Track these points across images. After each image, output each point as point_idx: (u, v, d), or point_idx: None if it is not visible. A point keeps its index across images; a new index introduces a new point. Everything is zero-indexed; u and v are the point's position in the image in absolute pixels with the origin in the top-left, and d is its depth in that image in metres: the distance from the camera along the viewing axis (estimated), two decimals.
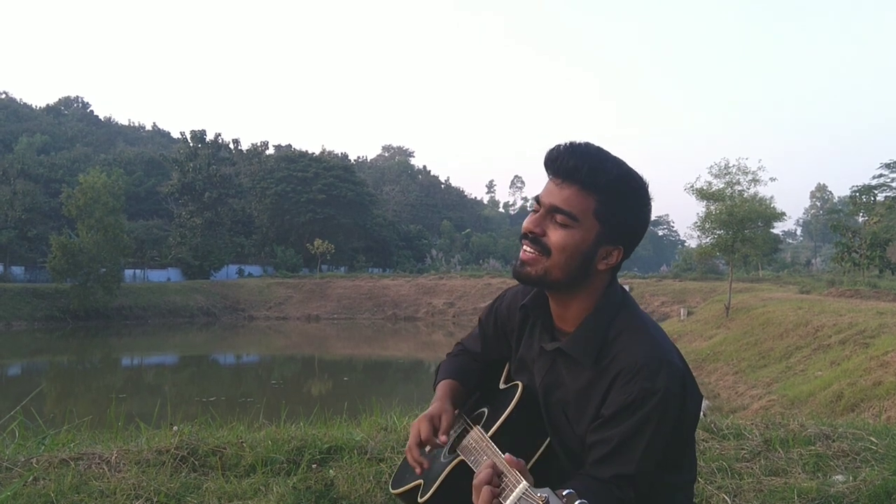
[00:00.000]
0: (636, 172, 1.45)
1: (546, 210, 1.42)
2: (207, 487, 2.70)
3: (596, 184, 1.39)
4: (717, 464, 3.07)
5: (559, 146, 1.44)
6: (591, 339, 1.43)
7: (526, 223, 1.44)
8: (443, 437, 1.50)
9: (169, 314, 38.07)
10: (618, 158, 1.44)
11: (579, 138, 1.48)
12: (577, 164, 1.40)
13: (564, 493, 1.05)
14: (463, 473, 1.41)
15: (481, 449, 1.41)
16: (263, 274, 49.86)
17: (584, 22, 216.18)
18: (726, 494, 2.81)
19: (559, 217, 1.40)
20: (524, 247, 1.44)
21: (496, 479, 1.18)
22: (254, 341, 32.49)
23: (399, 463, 2.89)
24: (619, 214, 1.41)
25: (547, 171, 1.46)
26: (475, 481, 1.20)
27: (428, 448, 1.52)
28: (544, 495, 1.05)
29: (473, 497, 1.20)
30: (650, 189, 1.46)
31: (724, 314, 22.78)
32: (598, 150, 1.43)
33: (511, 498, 1.10)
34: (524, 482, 1.10)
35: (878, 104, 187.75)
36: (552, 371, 1.49)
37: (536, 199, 1.46)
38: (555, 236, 1.40)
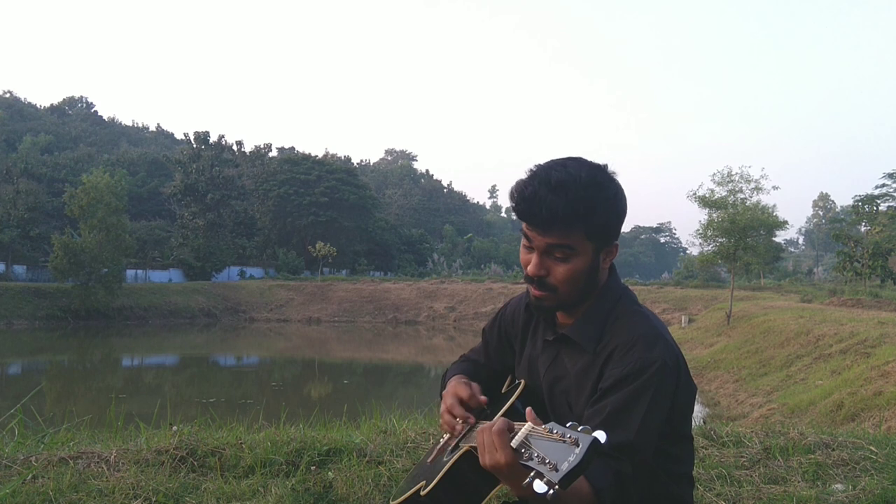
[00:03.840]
0: (596, 168, 1.42)
1: (542, 251, 1.43)
2: (206, 488, 2.70)
3: (577, 215, 1.36)
4: (716, 471, 3.07)
5: (522, 195, 1.38)
6: (592, 323, 1.47)
7: (530, 268, 1.44)
8: (482, 398, 1.52)
9: (170, 315, 38.05)
10: (576, 170, 1.38)
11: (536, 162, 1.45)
12: (552, 210, 1.35)
13: (568, 425, 1.10)
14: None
15: None
16: (265, 276, 49.80)
17: (591, 28, 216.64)
18: (725, 502, 2.80)
19: (558, 253, 1.41)
20: (533, 288, 1.46)
21: (511, 425, 1.21)
22: (254, 343, 32.44)
23: (400, 470, 2.89)
24: (605, 222, 1.41)
25: (520, 219, 1.45)
26: (494, 428, 1.20)
27: (460, 423, 1.53)
28: (548, 426, 1.11)
29: (488, 446, 1.21)
30: (620, 180, 1.46)
31: (725, 322, 22.74)
32: (560, 178, 1.36)
33: (519, 434, 1.15)
34: (529, 423, 1.17)
35: (882, 114, 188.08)
36: (556, 362, 1.52)
37: (525, 235, 1.44)
38: (559, 272, 1.42)
